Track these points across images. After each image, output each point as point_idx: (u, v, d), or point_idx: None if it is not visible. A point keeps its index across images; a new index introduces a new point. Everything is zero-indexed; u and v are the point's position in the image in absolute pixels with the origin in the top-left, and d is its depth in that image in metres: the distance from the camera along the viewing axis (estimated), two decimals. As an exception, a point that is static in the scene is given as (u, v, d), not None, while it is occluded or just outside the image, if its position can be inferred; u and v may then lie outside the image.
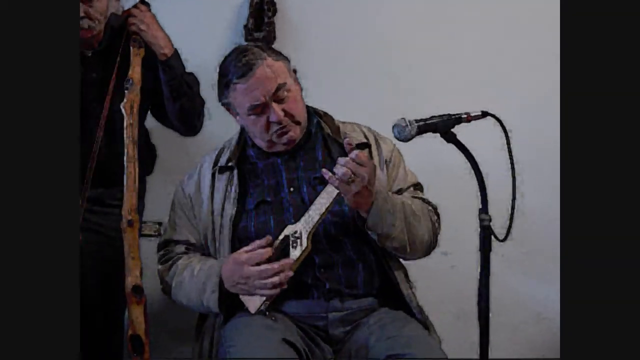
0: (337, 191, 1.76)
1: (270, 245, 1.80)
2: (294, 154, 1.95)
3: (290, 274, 1.78)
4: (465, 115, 1.65)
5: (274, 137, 1.90)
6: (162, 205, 2.13)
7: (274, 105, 1.87)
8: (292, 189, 1.91)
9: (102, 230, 2.20)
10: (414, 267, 1.98)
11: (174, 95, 2.20)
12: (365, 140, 1.97)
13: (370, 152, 1.95)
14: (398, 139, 1.64)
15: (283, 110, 1.88)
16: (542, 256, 2.64)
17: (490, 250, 1.60)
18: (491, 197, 1.62)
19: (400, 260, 1.93)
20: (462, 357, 2.19)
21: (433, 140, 1.67)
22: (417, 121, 1.63)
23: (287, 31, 2.66)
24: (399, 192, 1.95)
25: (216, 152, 2.01)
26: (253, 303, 1.81)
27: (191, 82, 2.23)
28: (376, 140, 1.99)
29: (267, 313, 1.80)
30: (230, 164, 1.95)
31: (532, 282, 2.71)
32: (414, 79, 2.68)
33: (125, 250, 1.99)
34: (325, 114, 2.03)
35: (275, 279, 1.77)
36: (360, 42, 2.68)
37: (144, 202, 2.30)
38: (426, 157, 2.27)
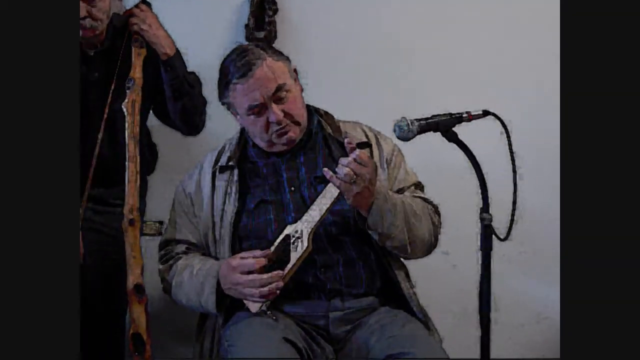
0: (339, 191, 1.76)
1: (268, 257, 1.79)
2: (294, 153, 1.95)
3: (281, 284, 1.77)
4: (466, 115, 1.65)
5: (274, 137, 1.91)
6: (164, 204, 2.13)
7: (273, 105, 1.87)
8: (292, 189, 1.91)
9: (104, 229, 2.20)
10: (415, 267, 1.98)
11: (176, 95, 2.20)
12: (365, 140, 1.97)
13: (370, 151, 1.95)
14: (399, 138, 1.64)
15: (282, 110, 1.88)
16: (542, 256, 2.65)
17: (491, 249, 1.60)
18: (492, 196, 1.62)
19: (401, 259, 1.94)
20: (462, 357, 2.19)
21: (434, 139, 1.67)
22: (418, 120, 1.63)
23: (287, 31, 2.66)
24: (400, 191, 1.95)
25: (217, 152, 2.01)
26: (254, 303, 1.81)
27: (193, 82, 2.24)
28: (377, 140, 1.99)
29: (268, 313, 1.81)
30: (230, 163, 1.96)
31: (533, 282, 2.71)
32: (414, 78, 2.68)
33: (127, 250, 1.99)
34: (326, 113, 2.03)
35: (264, 289, 1.76)
36: (361, 42, 2.68)
37: (145, 201, 2.30)
38: (427, 156, 2.27)
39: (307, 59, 2.36)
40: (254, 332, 1.76)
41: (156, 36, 2.16)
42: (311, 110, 2.01)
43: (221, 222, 1.91)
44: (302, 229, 1.80)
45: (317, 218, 1.79)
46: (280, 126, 1.88)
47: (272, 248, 1.81)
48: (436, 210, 1.97)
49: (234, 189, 1.92)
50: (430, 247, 1.92)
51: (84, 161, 1.95)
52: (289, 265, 1.79)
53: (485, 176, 1.63)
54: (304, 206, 1.85)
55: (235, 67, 1.87)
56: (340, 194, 1.77)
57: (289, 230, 1.81)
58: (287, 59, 1.94)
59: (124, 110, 2.06)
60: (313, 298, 1.85)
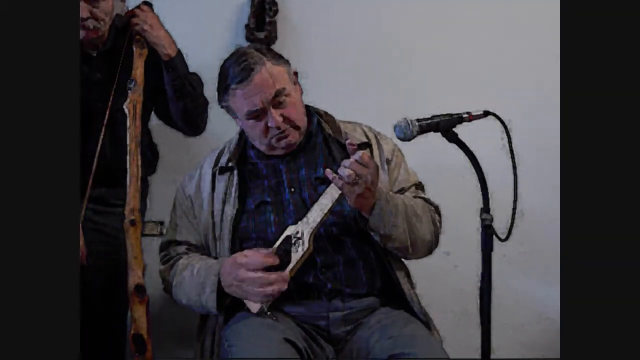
0: (339, 192, 1.76)
1: (273, 255, 1.79)
2: (294, 154, 1.95)
3: (284, 287, 1.77)
4: (466, 115, 1.65)
5: (273, 141, 1.90)
6: (165, 205, 2.13)
7: (273, 110, 1.86)
8: (292, 189, 1.91)
9: (105, 229, 2.20)
10: (416, 267, 1.98)
11: (178, 96, 2.21)
12: (366, 140, 1.97)
13: (371, 152, 1.94)
14: (399, 138, 1.64)
15: (282, 115, 1.87)
16: (542, 256, 2.64)
17: (492, 249, 1.60)
18: (492, 196, 1.62)
19: (402, 259, 1.94)
20: (463, 357, 2.19)
21: (434, 139, 1.67)
22: (418, 121, 1.63)
23: (287, 31, 2.67)
24: (401, 191, 1.95)
25: (216, 153, 2.01)
26: (254, 303, 1.81)
27: (194, 82, 2.24)
28: (377, 140, 1.99)
29: (269, 313, 1.81)
30: (230, 164, 1.96)
31: (533, 282, 2.71)
32: (414, 78, 2.68)
33: (128, 250, 1.99)
34: (326, 113, 2.03)
35: (269, 289, 1.76)
36: (361, 42, 2.68)
37: (146, 202, 2.31)
38: (427, 156, 2.27)
39: (307, 59, 2.37)
40: (254, 332, 1.76)
41: (158, 37, 2.17)
42: (311, 111, 2.01)
43: (221, 223, 1.91)
44: (302, 230, 1.80)
45: (318, 219, 1.79)
46: (280, 131, 1.88)
47: (273, 249, 1.81)
48: (437, 210, 1.97)
49: (233, 190, 1.92)
50: (431, 247, 1.92)
51: (85, 161, 1.96)
52: (290, 266, 1.79)
53: (485, 176, 1.63)
54: (304, 207, 1.85)
55: (234, 71, 1.86)
56: (341, 195, 1.76)
57: (289, 231, 1.81)
58: (287, 62, 1.93)
59: (125, 110, 2.07)
60: (313, 298, 1.85)
